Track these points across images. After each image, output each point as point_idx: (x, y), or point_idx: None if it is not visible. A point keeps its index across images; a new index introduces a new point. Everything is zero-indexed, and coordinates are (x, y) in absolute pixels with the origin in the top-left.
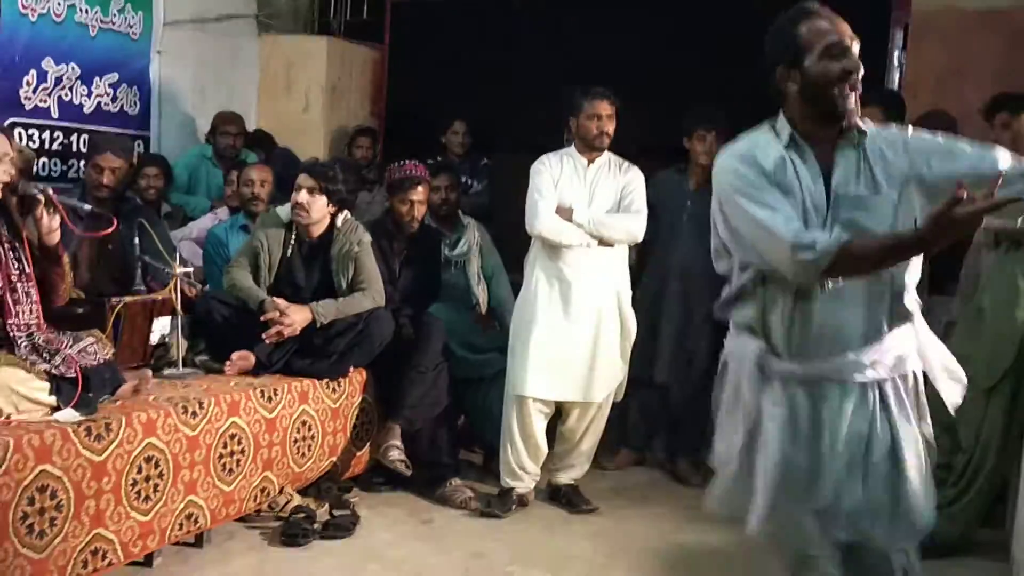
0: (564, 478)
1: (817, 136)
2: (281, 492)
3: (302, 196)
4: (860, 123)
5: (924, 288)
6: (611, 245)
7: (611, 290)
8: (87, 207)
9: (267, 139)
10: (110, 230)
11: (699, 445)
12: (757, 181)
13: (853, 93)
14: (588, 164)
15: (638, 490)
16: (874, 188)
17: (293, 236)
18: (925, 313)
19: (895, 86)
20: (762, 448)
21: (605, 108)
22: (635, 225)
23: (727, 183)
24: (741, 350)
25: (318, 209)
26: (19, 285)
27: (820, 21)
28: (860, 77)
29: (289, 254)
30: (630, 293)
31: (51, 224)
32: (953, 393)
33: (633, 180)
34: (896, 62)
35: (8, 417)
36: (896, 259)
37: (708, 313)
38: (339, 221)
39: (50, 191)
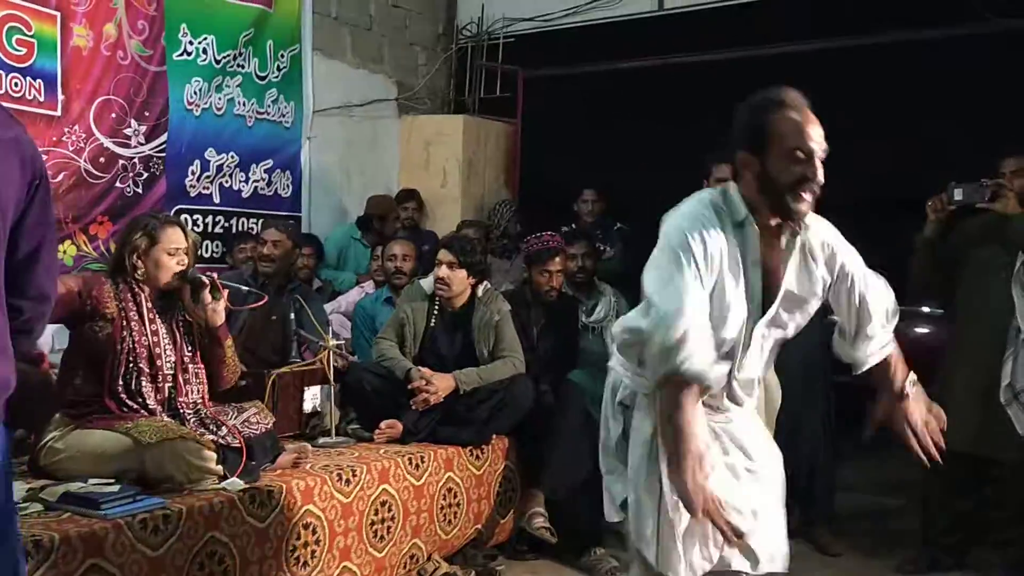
0: None
1: (763, 219)
2: (429, 559)
3: (443, 271)
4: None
5: None
6: None
7: None
8: (245, 288)
9: (415, 194)
10: (260, 303)
11: (834, 511)
12: (700, 261)
13: (810, 196)
14: None
15: None
16: (809, 289)
17: (436, 307)
18: None
19: None
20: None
21: (732, 172)
22: None
23: (675, 236)
24: None
25: (458, 282)
26: (190, 366)
27: (792, 115)
28: (819, 182)
29: (432, 324)
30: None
31: (216, 306)
32: None
33: None
34: None
35: (181, 486)
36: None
37: (815, 371)
38: (480, 291)
39: (215, 275)
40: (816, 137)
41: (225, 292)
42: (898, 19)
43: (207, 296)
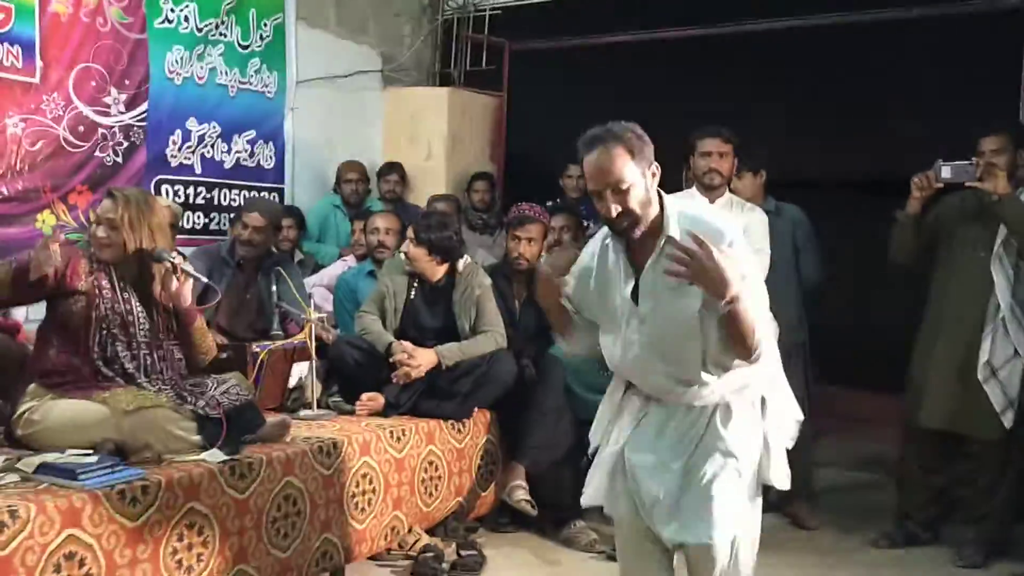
0: None
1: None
2: (410, 531)
3: (405, 245)
4: (668, 232)
5: None
6: None
7: None
8: (204, 279)
9: (397, 166)
10: (211, 304)
11: (811, 486)
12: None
13: (628, 221)
14: (710, 204)
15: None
16: (671, 286)
17: (416, 281)
18: None
19: None
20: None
21: (716, 145)
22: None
23: None
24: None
25: (418, 258)
26: (165, 343)
27: (590, 159)
28: (612, 216)
29: (413, 298)
30: None
31: (180, 290)
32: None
33: (754, 220)
34: None
35: (159, 456)
36: None
37: (794, 345)
38: (460, 266)
39: (178, 260)
40: (607, 178)
41: (189, 281)
42: None
43: (170, 278)
